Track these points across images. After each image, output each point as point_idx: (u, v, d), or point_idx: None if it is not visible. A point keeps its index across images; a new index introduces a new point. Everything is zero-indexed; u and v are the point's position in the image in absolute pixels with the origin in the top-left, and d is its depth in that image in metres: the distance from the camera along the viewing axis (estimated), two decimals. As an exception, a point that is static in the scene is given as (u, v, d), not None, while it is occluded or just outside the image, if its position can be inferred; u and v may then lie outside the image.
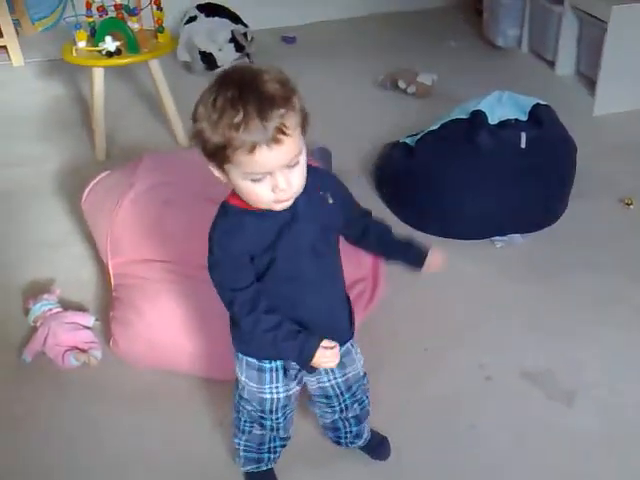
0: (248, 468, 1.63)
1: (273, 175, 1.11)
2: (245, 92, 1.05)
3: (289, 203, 1.17)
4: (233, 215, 1.20)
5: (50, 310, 2.07)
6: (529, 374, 1.92)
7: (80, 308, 2.18)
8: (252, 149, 1.06)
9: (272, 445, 1.59)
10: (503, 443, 1.74)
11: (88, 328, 2.06)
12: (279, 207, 1.16)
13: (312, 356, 1.24)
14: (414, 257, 1.44)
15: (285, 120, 1.06)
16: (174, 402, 1.88)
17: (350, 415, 1.57)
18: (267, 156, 1.07)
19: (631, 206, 2.57)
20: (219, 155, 1.10)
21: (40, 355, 2.00)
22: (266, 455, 1.60)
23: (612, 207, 2.59)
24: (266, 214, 1.18)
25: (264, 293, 1.25)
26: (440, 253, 1.45)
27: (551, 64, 3.62)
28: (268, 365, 1.38)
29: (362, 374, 1.52)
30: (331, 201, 1.28)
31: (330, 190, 1.29)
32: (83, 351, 1.98)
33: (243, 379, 1.42)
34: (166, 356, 1.92)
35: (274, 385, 1.40)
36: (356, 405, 1.55)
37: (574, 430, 1.76)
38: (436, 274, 2.25)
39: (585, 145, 2.58)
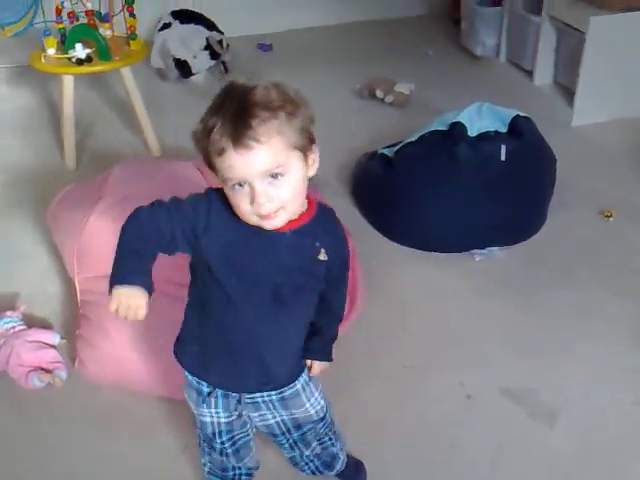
0: None
1: (252, 186, 1.07)
2: (231, 99, 1.06)
3: (279, 222, 1.11)
4: (221, 203, 1.14)
5: (13, 328, 1.99)
6: (510, 392, 1.88)
7: (45, 324, 2.10)
8: (221, 152, 1.05)
9: (237, 473, 1.52)
10: (483, 463, 1.69)
11: (53, 347, 1.98)
12: (268, 225, 1.11)
13: (115, 284, 1.10)
14: (310, 348, 1.36)
15: (260, 126, 1.03)
16: (141, 424, 1.80)
17: (309, 453, 1.50)
18: (235, 161, 1.05)
19: (611, 218, 2.55)
20: (206, 160, 1.11)
21: (3, 375, 1.92)
22: None
23: (592, 219, 2.57)
24: (244, 226, 1.13)
25: (203, 294, 1.20)
26: (317, 369, 1.38)
27: (529, 74, 3.60)
28: (206, 390, 1.32)
29: (317, 418, 1.42)
30: (322, 258, 1.21)
31: (329, 249, 1.21)
32: (47, 371, 1.90)
33: (186, 397, 1.37)
34: (133, 377, 1.85)
35: (214, 410, 1.34)
36: (315, 444, 1.48)
37: (555, 449, 1.72)
38: (415, 288, 2.25)
39: (564, 156, 2.56)
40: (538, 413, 1.82)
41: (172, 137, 3.14)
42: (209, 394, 1.32)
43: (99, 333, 1.87)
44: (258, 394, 1.33)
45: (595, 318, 2.12)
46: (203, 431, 1.40)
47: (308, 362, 1.37)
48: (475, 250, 2.38)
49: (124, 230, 1.17)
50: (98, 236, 2.00)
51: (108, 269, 1.92)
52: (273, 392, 1.33)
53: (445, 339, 2.06)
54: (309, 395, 1.38)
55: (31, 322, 2.07)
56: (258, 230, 1.12)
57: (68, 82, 2.81)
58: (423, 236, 2.39)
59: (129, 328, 1.84)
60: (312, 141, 1.13)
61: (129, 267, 1.14)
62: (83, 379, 1.90)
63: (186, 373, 1.35)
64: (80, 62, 2.74)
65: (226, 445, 1.42)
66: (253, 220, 1.11)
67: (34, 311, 2.14)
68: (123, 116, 3.32)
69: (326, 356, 1.38)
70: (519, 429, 1.78)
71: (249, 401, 1.33)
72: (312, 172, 1.15)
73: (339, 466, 1.58)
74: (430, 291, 2.26)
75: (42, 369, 1.90)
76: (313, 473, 1.59)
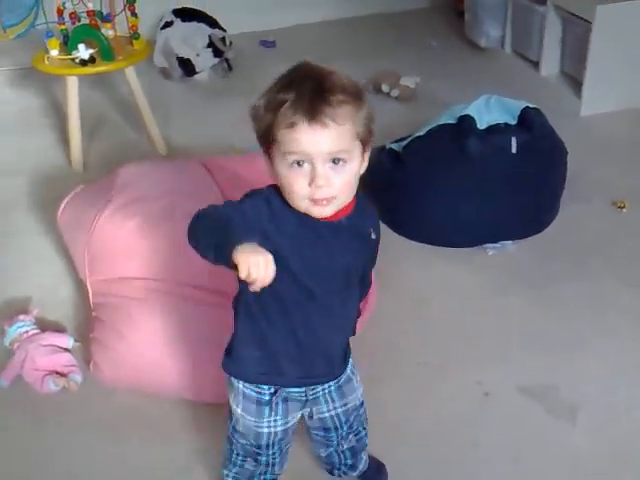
0: None
1: (314, 166, 1.05)
2: (308, 78, 1.06)
3: (328, 210, 1.10)
4: (275, 198, 1.12)
5: (27, 332, 1.97)
6: (528, 389, 1.86)
7: (58, 328, 2.09)
8: (292, 124, 1.03)
9: (262, 478, 1.50)
10: (502, 462, 1.67)
11: (67, 350, 1.97)
12: (316, 211, 1.09)
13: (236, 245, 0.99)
14: None
15: (339, 107, 1.03)
16: (157, 427, 1.79)
17: (346, 447, 1.49)
18: (307, 135, 1.03)
19: (624, 209, 2.52)
20: (267, 135, 1.08)
21: (18, 379, 1.91)
22: None
23: (604, 210, 2.55)
24: (310, 220, 1.11)
25: (271, 295, 1.12)
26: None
27: (535, 64, 3.57)
28: (267, 398, 1.29)
29: (359, 403, 1.43)
30: (373, 237, 1.24)
31: (374, 227, 1.26)
32: (62, 375, 1.89)
33: (239, 412, 1.32)
34: (149, 379, 1.84)
35: (272, 418, 1.32)
36: (351, 436, 1.48)
37: (575, 448, 1.70)
38: (427, 283, 2.23)
39: (574, 147, 2.53)
40: (557, 410, 1.79)
41: (177, 136, 3.13)
42: (270, 401, 1.29)
43: (113, 335, 1.86)
44: (319, 387, 1.32)
45: (610, 310, 2.11)
46: (256, 442, 1.37)
47: None
48: (487, 244, 2.36)
49: (198, 224, 1.09)
50: (109, 238, 1.99)
51: (120, 271, 1.95)
52: (332, 382, 1.33)
53: (459, 335, 2.04)
54: (356, 379, 1.40)
55: (44, 326, 2.06)
56: (319, 221, 1.11)
57: (72, 83, 2.79)
58: (434, 231, 2.38)
59: (143, 330, 1.83)
60: (372, 137, 1.12)
61: (235, 233, 1.02)
62: (98, 382, 1.89)
63: (240, 386, 1.30)
64: (84, 63, 2.72)
65: (276, 455, 1.41)
66: (303, 205, 1.09)
67: (47, 315, 2.13)
68: (128, 116, 3.30)
69: (355, 331, 1.39)
70: (538, 427, 1.76)
71: (311, 397, 1.33)
72: (363, 169, 1.15)
73: (362, 466, 1.58)
74: (442, 286, 2.24)
75: (57, 373, 1.89)
76: (339, 473, 1.59)
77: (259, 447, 1.38)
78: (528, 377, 1.89)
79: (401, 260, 2.33)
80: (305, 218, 1.11)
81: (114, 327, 1.87)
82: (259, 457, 1.41)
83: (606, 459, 1.68)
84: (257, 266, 0.97)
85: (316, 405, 1.35)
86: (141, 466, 1.70)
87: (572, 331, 2.04)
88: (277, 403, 1.30)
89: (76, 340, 2.02)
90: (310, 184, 1.06)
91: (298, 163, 1.06)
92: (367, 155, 1.14)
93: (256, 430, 1.33)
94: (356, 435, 1.49)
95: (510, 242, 2.36)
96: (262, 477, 1.50)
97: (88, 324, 2.01)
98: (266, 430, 1.33)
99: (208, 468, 1.66)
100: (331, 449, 1.50)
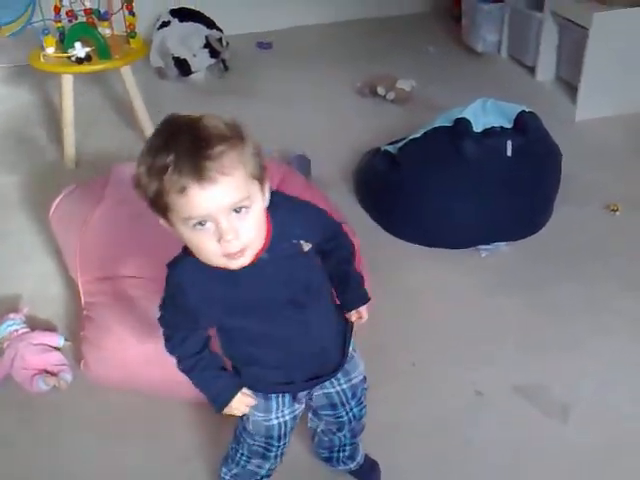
0: None
1: (217, 223, 1.00)
2: (179, 133, 0.99)
3: (246, 259, 1.06)
4: (190, 265, 1.11)
5: (17, 331, 1.97)
6: (521, 388, 1.86)
7: (48, 326, 2.08)
8: (183, 189, 0.97)
9: (259, 477, 1.50)
10: (498, 460, 1.67)
11: (57, 349, 1.96)
12: (234, 265, 1.06)
13: (229, 401, 1.24)
14: (346, 300, 1.35)
15: (223, 159, 0.97)
16: (148, 428, 1.78)
17: (345, 432, 1.50)
18: (200, 196, 0.97)
19: (617, 212, 2.53)
20: (158, 203, 1.01)
21: (7, 379, 1.89)
22: None
23: (598, 214, 2.55)
24: (226, 273, 1.08)
25: (237, 339, 1.23)
26: (364, 313, 1.36)
27: (531, 70, 3.58)
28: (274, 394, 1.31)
29: (362, 377, 1.43)
30: (307, 248, 1.18)
31: (306, 233, 1.18)
32: (52, 374, 1.87)
33: (249, 409, 1.31)
34: (140, 379, 1.82)
35: (280, 410, 1.32)
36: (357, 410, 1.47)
37: (570, 444, 1.71)
38: (422, 284, 2.23)
39: (568, 152, 2.54)
40: (551, 409, 1.79)
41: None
42: (277, 397, 1.30)
43: (104, 334, 1.85)
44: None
45: (603, 312, 2.11)
46: (267, 435, 1.37)
47: (354, 314, 1.34)
48: (481, 246, 2.36)
49: (177, 362, 1.26)
50: (100, 237, 1.99)
51: (112, 270, 1.93)
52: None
53: (453, 336, 2.04)
54: (357, 355, 1.39)
55: (34, 324, 2.05)
56: (237, 270, 1.07)
57: (67, 81, 2.78)
58: (428, 232, 2.38)
59: (135, 329, 1.82)
60: (265, 170, 1.07)
61: (210, 391, 1.25)
62: (89, 381, 1.88)
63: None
64: (80, 61, 2.71)
65: (286, 445, 1.42)
66: (219, 262, 1.05)
67: (37, 313, 2.11)
68: (122, 115, 3.30)
69: (365, 298, 1.36)
70: (533, 425, 1.76)
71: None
72: (267, 202, 1.08)
73: (359, 458, 1.59)
74: (437, 287, 2.24)
75: (47, 372, 1.88)
76: (338, 464, 1.59)
77: (271, 441, 1.38)
78: (521, 377, 1.89)
79: (395, 261, 2.33)
80: (223, 273, 1.08)
81: (105, 326, 1.86)
82: (269, 453, 1.41)
83: (599, 455, 1.68)
84: (240, 411, 1.26)
85: (322, 388, 1.36)
86: (134, 463, 1.69)
87: (565, 331, 2.04)
88: (283, 395, 1.31)
89: (66, 339, 2.01)
90: (219, 241, 1.02)
91: (200, 223, 1.01)
92: (267, 187, 1.08)
93: (266, 425, 1.34)
94: (359, 412, 1.47)
95: (504, 244, 2.37)
96: (258, 476, 1.49)
97: (79, 323, 2.00)
98: (276, 422, 1.33)
99: (203, 464, 1.66)
100: (342, 432, 1.49)
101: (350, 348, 1.36)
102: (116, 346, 1.83)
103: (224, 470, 1.50)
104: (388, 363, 1.93)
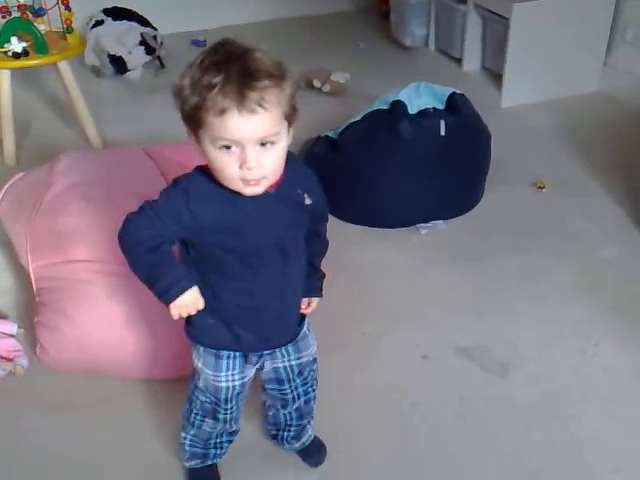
0: (192, 463, 1.58)
1: (243, 149, 1.08)
2: (232, 59, 1.06)
3: (259, 189, 1.14)
4: (202, 180, 1.17)
5: (-31, 320, 1.95)
6: (464, 349, 1.98)
7: (0, 315, 2.07)
8: (222, 111, 1.05)
9: (219, 441, 1.55)
10: (444, 419, 1.77)
11: (11, 336, 1.96)
12: (248, 191, 1.13)
13: (185, 290, 1.20)
14: (306, 285, 1.41)
15: (265, 93, 1.05)
16: (108, 408, 1.80)
17: (291, 409, 1.54)
18: (237, 123, 1.06)
19: (544, 189, 2.70)
20: (194, 117, 1.09)
21: (-39, 367, 1.88)
22: (212, 451, 1.57)
23: (526, 191, 2.72)
24: (233, 195, 1.15)
25: (210, 266, 1.24)
26: (313, 305, 1.45)
27: (458, 61, 3.75)
28: (226, 352, 1.35)
29: (312, 359, 1.49)
30: (308, 202, 1.26)
31: (310, 191, 1.27)
32: (8, 360, 1.87)
33: (200, 366, 1.37)
34: (97, 359, 1.84)
35: (230, 372, 1.37)
36: (302, 392, 1.53)
37: (512, 401, 1.82)
38: (367, 263, 2.33)
39: (496, 136, 2.68)
40: (492, 367, 1.92)
41: (112, 132, 3.12)
42: (228, 356, 1.34)
43: (59, 316, 1.85)
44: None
45: (540, 280, 2.25)
46: (215, 397, 1.41)
47: (306, 301, 1.42)
48: (420, 224, 2.48)
49: (130, 246, 1.21)
50: (50, 223, 1.99)
51: (64, 255, 1.94)
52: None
53: (400, 307, 2.14)
54: (311, 335, 1.46)
55: (-15, 315, 2.04)
56: (245, 197, 1.15)
57: (5, 76, 2.76)
58: (372, 213, 2.47)
59: (89, 311, 1.84)
60: (296, 112, 1.15)
61: (165, 278, 1.19)
62: (45, 366, 1.89)
63: (199, 346, 1.36)
64: (17, 56, 2.69)
65: (233, 409, 1.45)
66: (235, 185, 1.13)
67: (-13, 304, 2.11)
68: (60, 112, 3.28)
69: (320, 292, 1.45)
70: (476, 384, 1.87)
71: (268, 352, 1.39)
72: (289, 142, 1.17)
73: (305, 439, 1.63)
74: (381, 264, 2.34)
75: (2, 358, 1.88)
76: (282, 442, 1.64)
77: (218, 402, 1.42)
78: (463, 340, 2.01)
79: (344, 243, 2.38)
80: (230, 195, 1.15)
81: (59, 308, 1.87)
82: (217, 414, 1.45)
83: (536, 407, 1.80)
84: (186, 310, 1.21)
85: (272, 359, 1.42)
86: (96, 445, 1.71)
87: (502, 298, 2.17)
88: (235, 357, 1.35)
89: (19, 326, 2.00)
90: (241, 166, 1.09)
91: (227, 147, 1.09)
92: (292, 130, 1.16)
93: (215, 384, 1.38)
94: (306, 395, 1.53)
95: (441, 222, 2.49)
96: (218, 440, 1.55)
97: (31, 312, 2.00)
98: (224, 384, 1.38)
99: (166, 441, 1.69)
100: (282, 412, 1.54)
101: (305, 326, 1.44)
102: (71, 328, 1.83)
103: (183, 435, 1.54)
104: (339, 334, 2.02)
